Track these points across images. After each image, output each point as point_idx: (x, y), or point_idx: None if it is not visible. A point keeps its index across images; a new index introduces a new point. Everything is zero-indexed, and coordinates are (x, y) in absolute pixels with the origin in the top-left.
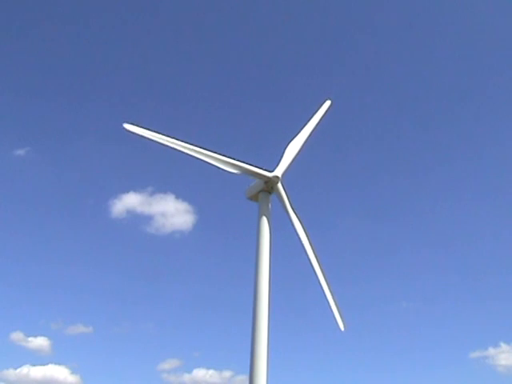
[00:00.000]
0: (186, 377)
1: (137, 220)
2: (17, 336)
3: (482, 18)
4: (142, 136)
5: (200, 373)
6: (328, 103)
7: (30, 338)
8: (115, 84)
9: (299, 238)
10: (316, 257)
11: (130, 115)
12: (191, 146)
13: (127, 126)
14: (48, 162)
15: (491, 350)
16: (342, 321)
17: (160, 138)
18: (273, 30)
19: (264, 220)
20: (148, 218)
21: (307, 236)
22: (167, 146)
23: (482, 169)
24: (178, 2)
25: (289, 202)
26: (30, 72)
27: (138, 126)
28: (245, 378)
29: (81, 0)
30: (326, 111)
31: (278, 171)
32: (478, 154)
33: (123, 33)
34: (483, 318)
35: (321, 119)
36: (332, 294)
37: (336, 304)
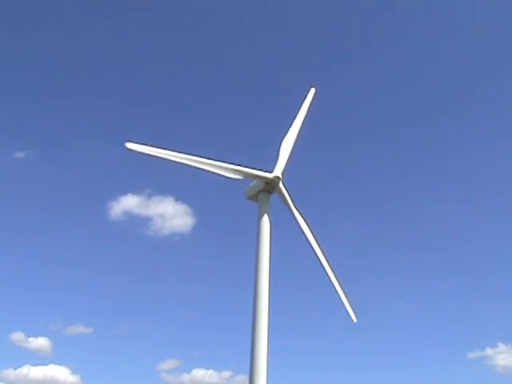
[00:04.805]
0: (186, 377)
1: (135, 222)
2: (17, 336)
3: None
4: (144, 153)
5: (199, 373)
6: (313, 91)
7: (31, 339)
8: (114, 87)
9: (305, 236)
10: (323, 253)
11: (128, 118)
12: (192, 157)
13: (129, 145)
14: (47, 165)
15: (489, 351)
16: (354, 312)
17: (161, 153)
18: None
19: (265, 220)
20: (146, 220)
21: (313, 234)
22: (169, 160)
23: (482, 169)
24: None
25: (292, 201)
26: (30, 75)
27: (137, 141)
28: (244, 378)
29: (81, 1)
30: (312, 100)
31: (278, 171)
32: (477, 155)
33: (121, 35)
34: (481, 318)
35: (309, 109)
36: (342, 288)
37: (347, 297)
